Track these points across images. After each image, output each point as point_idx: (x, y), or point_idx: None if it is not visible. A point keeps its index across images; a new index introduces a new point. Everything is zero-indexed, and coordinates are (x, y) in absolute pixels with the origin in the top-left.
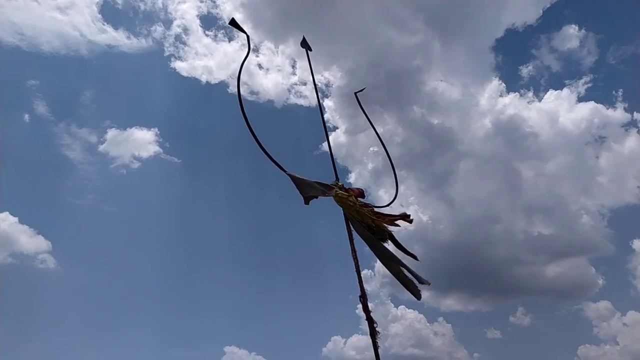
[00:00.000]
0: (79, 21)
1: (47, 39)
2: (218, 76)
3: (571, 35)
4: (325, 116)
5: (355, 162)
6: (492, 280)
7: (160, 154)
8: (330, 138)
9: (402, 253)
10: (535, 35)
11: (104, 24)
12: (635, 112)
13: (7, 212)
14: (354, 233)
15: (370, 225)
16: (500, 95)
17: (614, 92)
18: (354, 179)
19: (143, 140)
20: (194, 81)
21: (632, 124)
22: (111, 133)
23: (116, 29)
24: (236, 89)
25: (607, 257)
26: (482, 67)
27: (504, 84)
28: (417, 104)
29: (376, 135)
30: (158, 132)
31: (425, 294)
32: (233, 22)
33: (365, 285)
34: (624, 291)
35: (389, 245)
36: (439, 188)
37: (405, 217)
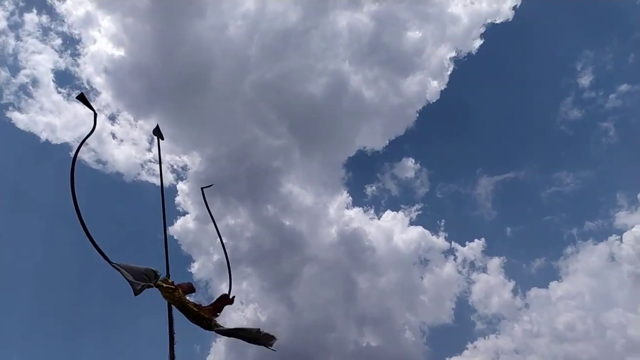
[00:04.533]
0: None
1: None
2: (62, 137)
3: (409, 167)
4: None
5: (201, 251)
6: None
7: None
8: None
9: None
10: (380, 160)
11: None
12: (453, 242)
13: None
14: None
15: (196, 317)
16: (347, 208)
17: (437, 222)
18: (196, 269)
19: None
20: (30, 136)
21: (450, 252)
22: None
23: None
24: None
25: None
26: (334, 180)
27: (351, 198)
28: (271, 203)
29: (216, 231)
30: None
31: None
32: (81, 97)
33: None
34: None
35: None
36: (282, 289)
37: (225, 299)
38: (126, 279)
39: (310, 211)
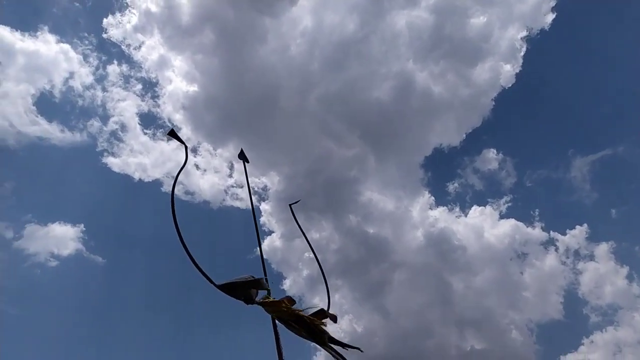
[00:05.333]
0: (10, 112)
1: None
2: (152, 174)
3: (491, 158)
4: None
5: (290, 268)
6: None
7: (82, 252)
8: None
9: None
10: (459, 156)
11: (37, 116)
12: (551, 231)
13: None
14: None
15: (310, 328)
16: (430, 209)
17: (531, 212)
18: (288, 286)
19: (64, 237)
20: (125, 178)
21: (549, 242)
22: (30, 228)
23: (50, 121)
24: (171, 190)
25: None
26: (413, 182)
27: (433, 198)
28: (353, 213)
29: (309, 247)
30: (84, 229)
31: None
32: (172, 133)
33: None
34: None
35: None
36: (374, 298)
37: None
38: (236, 298)
39: (393, 216)
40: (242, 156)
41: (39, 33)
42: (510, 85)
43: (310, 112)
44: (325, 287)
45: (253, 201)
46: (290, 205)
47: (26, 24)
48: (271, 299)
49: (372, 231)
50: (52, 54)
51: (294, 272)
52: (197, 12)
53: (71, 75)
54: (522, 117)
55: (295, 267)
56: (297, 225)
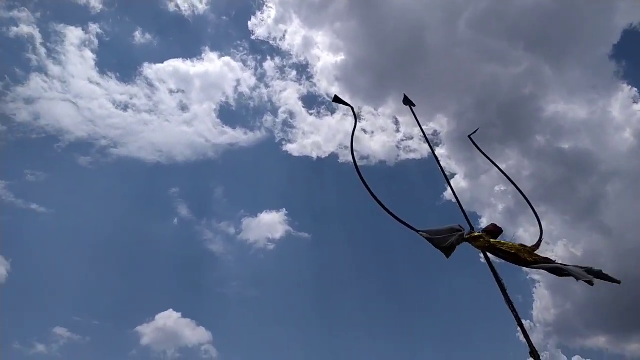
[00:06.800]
0: (203, 129)
1: (180, 151)
2: (327, 149)
3: None
4: (441, 164)
5: (483, 205)
6: None
7: (290, 232)
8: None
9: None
10: None
11: (223, 127)
12: None
13: (171, 309)
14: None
15: (512, 255)
16: (635, 102)
17: None
18: (485, 223)
19: (273, 222)
20: (306, 159)
21: None
22: (246, 222)
23: (234, 128)
24: (351, 158)
25: None
26: (604, 79)
27: (635, 89)
28: (539, 133)
29: (501, 173)
30: (286, 212)
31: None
32: (336, 99)
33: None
34: None
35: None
36: (588, 217)
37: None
38: (435, 245)
39: (589, 124)
40: (406, 101)
41: (203, 55)
42: None
43: (463, 40)
44: (532, 211)
45: (425, 149)
46: (469, 136)
47: (192, 51)
48: (475, 234)
49: (567, 146)
50: (218, 69)
51: (488, 208)
52: None
53: (238, 82)
54: None
55: (488, 203)
56: (482, 155)
